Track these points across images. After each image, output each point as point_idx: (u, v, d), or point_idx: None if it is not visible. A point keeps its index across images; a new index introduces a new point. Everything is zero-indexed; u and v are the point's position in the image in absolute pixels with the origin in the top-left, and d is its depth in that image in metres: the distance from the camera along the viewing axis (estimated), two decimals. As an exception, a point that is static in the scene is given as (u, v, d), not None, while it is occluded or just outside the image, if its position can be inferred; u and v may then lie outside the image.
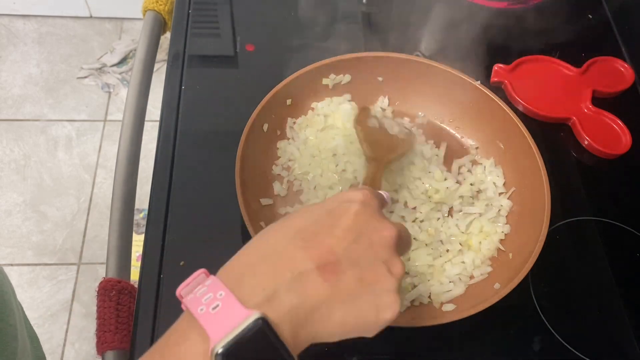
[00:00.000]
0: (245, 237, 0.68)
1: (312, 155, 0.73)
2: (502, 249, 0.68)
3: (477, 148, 0.77)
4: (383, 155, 0.69)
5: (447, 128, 0.79)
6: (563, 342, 0.64)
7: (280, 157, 0.74)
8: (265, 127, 0.72)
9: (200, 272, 0.39)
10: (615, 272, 0.70)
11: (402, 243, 0.44)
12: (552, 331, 0.64)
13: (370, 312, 0.39)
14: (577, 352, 0.63)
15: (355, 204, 0.42)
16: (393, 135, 0.74)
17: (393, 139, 0.73)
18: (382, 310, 0.40)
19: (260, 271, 0.38)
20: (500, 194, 0.72)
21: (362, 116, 0.75)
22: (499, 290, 0.60)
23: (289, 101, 0.75)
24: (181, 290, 0.38)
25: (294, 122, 0.76)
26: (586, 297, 0.68)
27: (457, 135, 0.78)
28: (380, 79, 0.79)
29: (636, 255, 0.71)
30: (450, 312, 0.62)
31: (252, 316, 0.34)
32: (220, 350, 0.33)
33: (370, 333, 0.41)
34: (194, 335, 0.35)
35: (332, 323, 0.39)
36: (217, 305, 0.35)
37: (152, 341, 0.61)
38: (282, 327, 0.36)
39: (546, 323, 0.65)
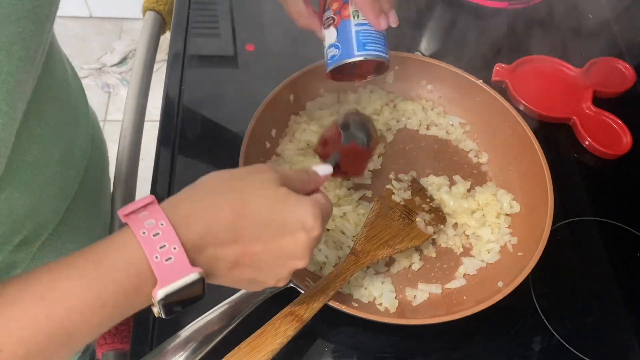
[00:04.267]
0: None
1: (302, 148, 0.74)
2: (506, 247, 0.68)
3: (478, 150, 0.77)
4: (371, 251, 0.62)
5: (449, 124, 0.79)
6: (563, 342, 0.64)
7: (280, 155, 0.74)
8: (269, 126, 0.72)
9: (146, 200, 0.41)
10: (616, 272, 0.70)
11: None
12: (552, 331, 0.64)
13: (270, 280, 0.47)
14: (577, 352, 0.63)
15: (302, 233, 0.45)
16: (410, 225, 0.66)
17: (404, 231, 0.66)
18: (279, 281, 0.47)
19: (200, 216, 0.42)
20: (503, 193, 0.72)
21: (387, 194, 0.70)
22: (502, 288, 0.60)
23: (291, 97, 0.75)
24: (124, 211, 0.41)
25: (296, 120, 0.76)
26: (586, 297, 0.68)
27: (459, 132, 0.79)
28: (388, 80, 0.79)
29: (636, 255, 0.71)
30: (452, 310, 0.62)
31: (193, 273, 0.40)
32: (163, 295, 0.40)
33: (258, 288, 0.48)
34: (138, 269, 0.39)
35: (237, 277, 0.45)
36: (164, 246, 0.40)
37: (152, 341, 0.61)
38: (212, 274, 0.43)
39: (546, 323, 0.65)
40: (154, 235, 0.39)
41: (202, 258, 0.42)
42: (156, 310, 0.41)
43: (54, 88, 0.56)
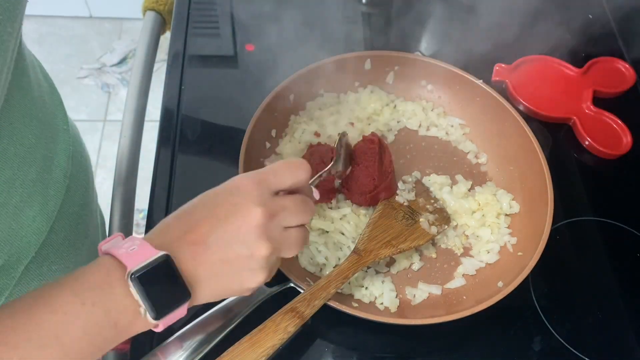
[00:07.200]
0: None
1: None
2: (506, 247, 0.68)
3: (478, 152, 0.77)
4: (373, 250, 0.62)
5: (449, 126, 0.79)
6: (563, 342, 0.64)
7: (280, 154, 0.74)
8: (268, 126, 0.72)
9: (117, 235, 0.46)
10: (616, 272, 0.70)
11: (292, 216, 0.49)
12: (552, 331, 0.64)
13: (234, 284, 0.48)
14: (577, 352, 0.63)
15: (239, 197, 0.47)
16: (413, 226, 0.67)
17: (407, 231, 0.66)
18: (245, 282, 0.48)
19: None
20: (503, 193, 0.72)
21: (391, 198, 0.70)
22: (502, 288, 0.60)
23: (291, 97, 0.75)
24: (102, 245, 0.45)
25: (296, 120, 0.76)
26: (586, 297, 0.68)
27: (459, 134, 0.78)
28: (388, 80, 0.79)
29: (636, 255, 0.71)
30: (452, 310, 0.62)
31: (160, 253, 0.43)
32: (134, 270, 0.42)
33: (243, 294, 0.50)
34: (110, 267, 0.42)
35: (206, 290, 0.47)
36: (134, 248, 0.43)
37: (152, 341, 0.61)
38: (181, 266, 0.44)
39: (546, 323, 0.65)
40: (130, 250, 0.43)
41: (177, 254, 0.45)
42: (152, 323, 0.43)
43: (29, 107, 0.54)
